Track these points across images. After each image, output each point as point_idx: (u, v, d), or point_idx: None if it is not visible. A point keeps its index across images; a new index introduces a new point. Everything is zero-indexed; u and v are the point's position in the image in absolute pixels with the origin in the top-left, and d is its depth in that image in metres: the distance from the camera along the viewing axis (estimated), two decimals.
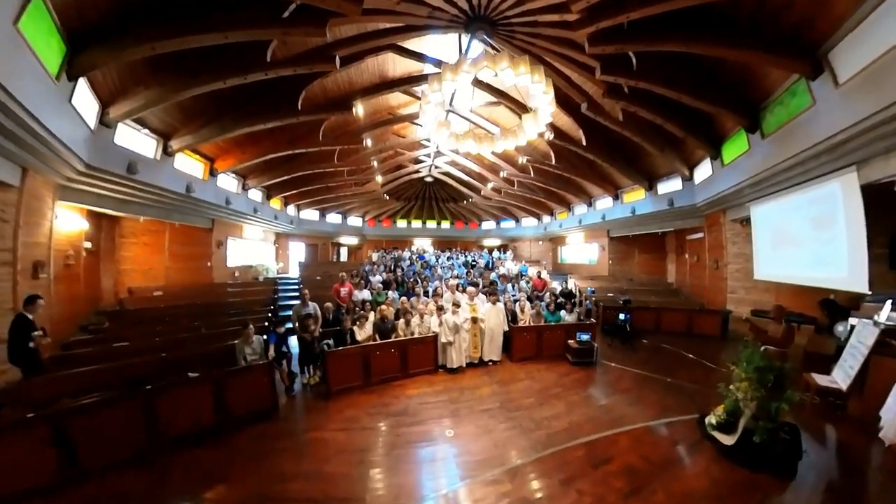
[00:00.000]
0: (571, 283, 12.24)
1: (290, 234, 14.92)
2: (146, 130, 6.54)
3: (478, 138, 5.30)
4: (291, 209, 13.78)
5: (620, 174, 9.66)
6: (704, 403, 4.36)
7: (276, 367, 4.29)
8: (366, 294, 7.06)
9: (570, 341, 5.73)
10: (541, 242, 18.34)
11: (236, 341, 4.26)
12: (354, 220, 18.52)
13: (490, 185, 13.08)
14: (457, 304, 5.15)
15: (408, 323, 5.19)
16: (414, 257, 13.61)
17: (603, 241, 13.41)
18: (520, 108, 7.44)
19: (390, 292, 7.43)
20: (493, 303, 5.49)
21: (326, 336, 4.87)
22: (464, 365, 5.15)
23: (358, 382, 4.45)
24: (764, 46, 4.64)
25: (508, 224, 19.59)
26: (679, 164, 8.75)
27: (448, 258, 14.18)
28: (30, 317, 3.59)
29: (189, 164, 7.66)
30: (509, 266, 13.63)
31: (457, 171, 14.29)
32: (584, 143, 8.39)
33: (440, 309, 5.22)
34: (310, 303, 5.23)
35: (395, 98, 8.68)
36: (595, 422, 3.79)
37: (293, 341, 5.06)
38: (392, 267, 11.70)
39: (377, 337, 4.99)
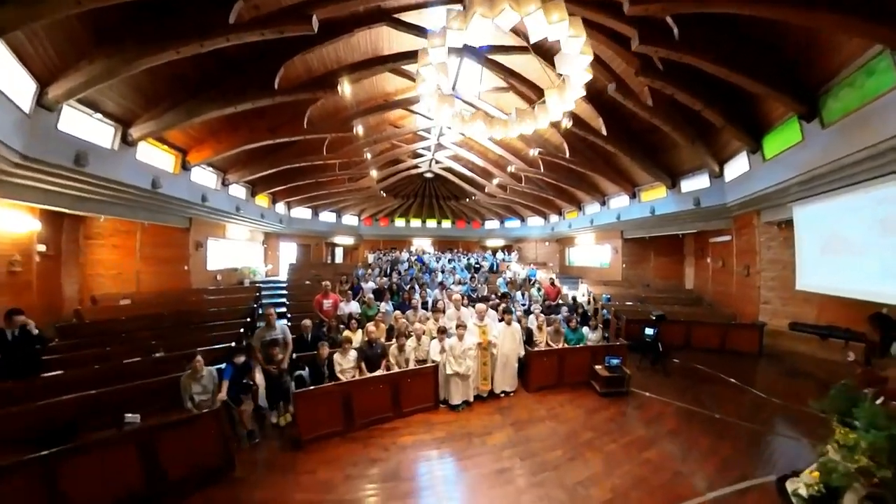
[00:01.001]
0: (583, 289, 11.39)
1: (281, 234, 14.02)
2: (99, 115, 5.62)
3: (488, 121, 4.38)
4: (280, 207, 12.82)
5: (641, 169, 8.74)
6: (767, 451, 3.51)
7: (234, 407, 3.40)
8: (354, 307, 6.16)
9: (598, 367, 4.85)
10: (547, 243, 17.51)
11: (183, 375, 3.37)
12: (350, 219, 17.72)
13: (496, 181, 12.21)
14: (462, 326, 4.24)
15: (401, 348, 4.29)
16: (412, 259, 12.71)
17: (616, 243, 12.51)
18: (536, 93, 6.51)
19: (383, 304, 6.53)
20: (508, 323, 4.59)
21: (300, 365, 3.97)
22: (471, 399, 4.26)
23: (337, 428, 3.56)
24: (842, 9, 3.72)
25: (513, 224, 18.81)
26: (709, 159, 7.82)
27: (450, 260, 13.29)
28: None
29: (156, 156, 6.75)
30: (516, 269, 12.77)
31: (459, 166, 13.43)
32: (604, 132, 7.46)
33: (442, 332, 4.31)
34: (277, 324, 4.29)
35: (391, 83, 7.76)
36: (645, 487, 2.91)
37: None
38: (388, 270, 10.81)
39: (363, 366, 4.11)
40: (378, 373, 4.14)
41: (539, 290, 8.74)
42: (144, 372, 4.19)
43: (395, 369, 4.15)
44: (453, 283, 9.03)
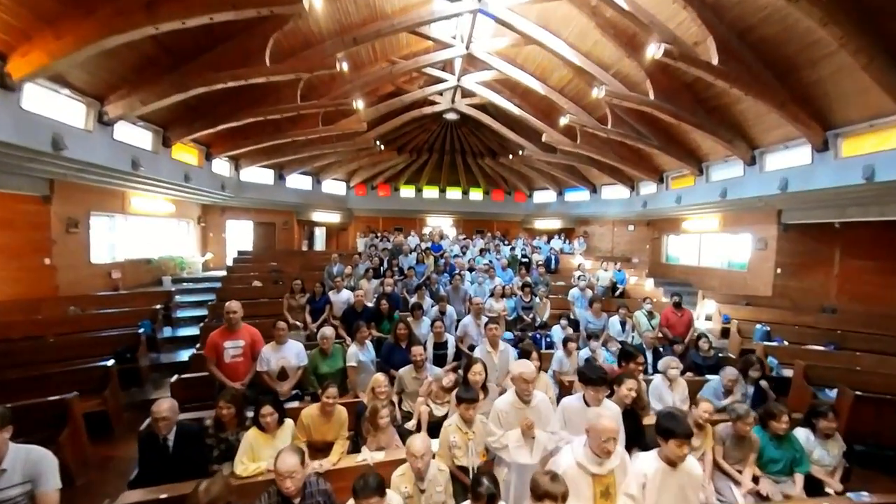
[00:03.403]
0: (709, 308, 8.73)
1: (228, 208, 12.59)
2: None
3: None
4: (221, 165, 10.99)
5: (877, 83, 5.60)
6: None
7: None
8: (292, 355, 4.06)
9: None
10: (632, 227, 15.04)
11: None
12: (334, 186, 16.40)
13: (564, 120, 9.55)
14: (556, 496, 1.70)
15: None
16: (422, 248, 10.47)
17: (767, 232, 9.67)
18: None
19: (353, 348, 4.40)
20: (671, 461, 2.08)
21: None
22: None
23: None
24: None
25: (578, 195, 16.35)
26: None
27: (482, 251, 11.11)
28: None
29: None
30: (584, 266, 10.31)
31: (502, 100, 10.94)
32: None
33: (485, 500, 1.90)
34: (10, 449, 2.05)
35: None
36: None
37: None
38: (382, 267, 8.77)
39: None
40: None
41: (651, 314, 6.22)
42: None
43: None
44: (491, 294, 6.78)
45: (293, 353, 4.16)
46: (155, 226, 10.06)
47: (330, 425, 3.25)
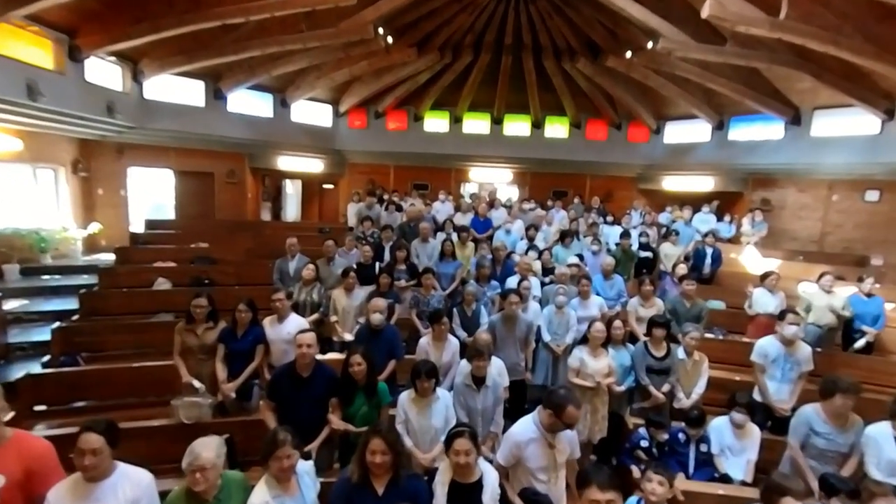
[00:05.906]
0: None
1: (130, 146, 12.87)
2: None
3: None
4: (104, 69, 11.11)
5: None
6: None
7: None
8: (118, 498, 3.25)
9: None
10: (874, 195, 14.21)
11: None
12: (311, 112, 16.87)
13: None
14: None
15: None
16: (455, 227, 10.30)
17: None
18: None
19: (262, 499, 3.35)
20: None
21: None
22: None
23: None
24: None
25: (757, 130, 15.80)
26: None
27: (565, 235, 10.21)
28: None
29: None
30: (774, 273, 8.90)
31: None
32: None
33: None
34: None
35: None
36: None
37: None
38: (376, 264, 8.74)
39: None
40: None
41: None
42: None
43: None
44: (583, 338, 5.77)
45: (124, 500, 3.14)
46: None
47: None
